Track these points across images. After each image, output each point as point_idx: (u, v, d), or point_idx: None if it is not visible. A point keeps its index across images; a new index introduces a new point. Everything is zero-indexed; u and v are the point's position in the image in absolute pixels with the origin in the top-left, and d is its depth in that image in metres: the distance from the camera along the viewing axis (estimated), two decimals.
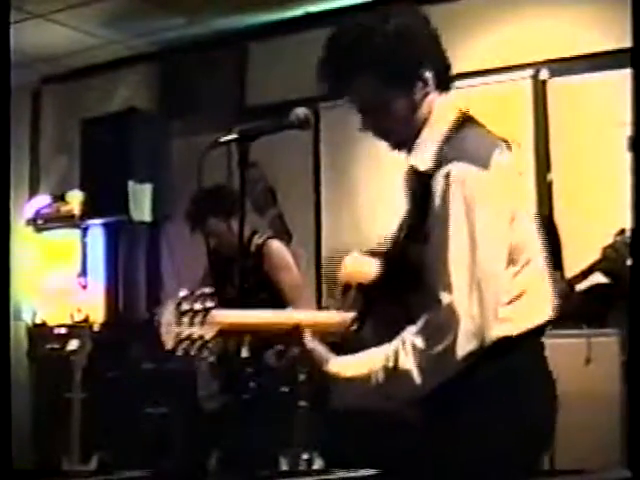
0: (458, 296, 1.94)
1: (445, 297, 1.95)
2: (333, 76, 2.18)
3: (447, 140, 2.09)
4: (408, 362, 2.01)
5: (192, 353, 2.08)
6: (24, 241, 6.78)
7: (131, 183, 5.89)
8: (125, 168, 5.93)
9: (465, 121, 2.14)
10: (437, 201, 2.00)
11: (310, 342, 2.16)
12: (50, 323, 6.56)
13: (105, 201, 6.03)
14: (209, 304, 2.06)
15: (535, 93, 5.18)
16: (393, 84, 2.13)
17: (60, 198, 6.72)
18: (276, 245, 4.24)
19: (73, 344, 5.94)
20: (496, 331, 1.99)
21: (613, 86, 4.67)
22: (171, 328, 2.07)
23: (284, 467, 4.03)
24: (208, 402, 4.13)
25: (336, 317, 2.30)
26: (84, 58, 6.58)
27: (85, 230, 6.55)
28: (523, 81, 5.21)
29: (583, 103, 5.01)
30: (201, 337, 2.07)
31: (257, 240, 4.22)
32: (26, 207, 6.91)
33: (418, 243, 2.06)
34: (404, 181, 2.25)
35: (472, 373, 1.99)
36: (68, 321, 6.32)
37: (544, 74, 5.16)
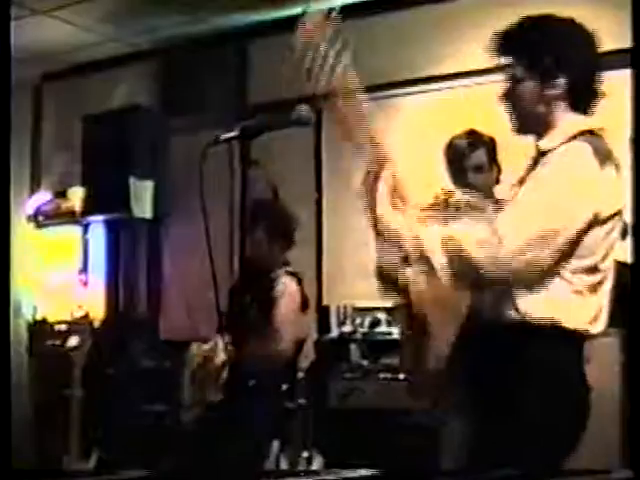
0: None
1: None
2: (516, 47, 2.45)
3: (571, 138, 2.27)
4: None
5: None
6: (25, 237, 6.78)
7: (132, 180, 5.90)
8: (126, 165, 5.94)
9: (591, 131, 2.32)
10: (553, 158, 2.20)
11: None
12: (50, 320, 6.56)
13: (106, 198, 6.03)
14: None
15: None
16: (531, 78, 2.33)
17: (61, 195, 6.73)
18: (292, 287, 4.20)
19: (73, 341, 5.94)
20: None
21: (612, 86, 4.66)
22: None
23: (284, 465, 4.02)
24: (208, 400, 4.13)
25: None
26: (85, 55, 6.58)
27: (86, 227, 6.55)
28: None
29: None
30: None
31: (273, 274, 4.20)
32: (27, 203, 6.91)
33: None
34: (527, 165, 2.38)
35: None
36: (68, 318, 6.33)
37: None
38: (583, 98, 2.35)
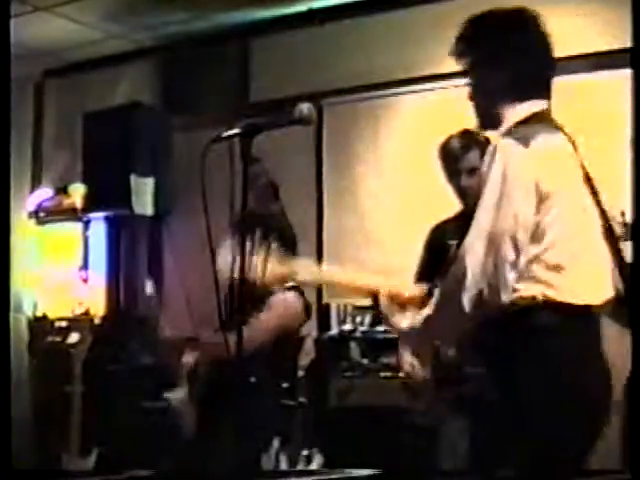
0: (472, 254, 2.16)
1: (461, 253, 2.20)
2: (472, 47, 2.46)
3: (514, 126, 2.33)
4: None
5: None
6: (26, 234, 6.78)
7: (133, 177, 5.89)
8: (127, 162, 5.93)
9: (536, 115, 2.36)
10: (484, 168, 2.26)
11: (385, 307, 2.44)
12: (51, 316, 6.57)
13: (107, 194, 6.03)
14: None
15: None
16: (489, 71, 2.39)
17: (62, 191, 6.72)
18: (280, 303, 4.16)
19: (73, 337, 5.95)
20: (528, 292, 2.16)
21: (616, 85, 4.66)
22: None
23: (283, 463, 4.02)
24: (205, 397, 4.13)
25: (412, 288, 2.56)
26: (87, 51, 6.58)
27: (87, 223, 6.55)
28: None
29: (585, 102, 5.01)
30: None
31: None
32: (28, 200, 6.91)
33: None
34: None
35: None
36: (69, 314, 6.33)
37: None
38: (533, 86, 2.40)
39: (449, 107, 5.13)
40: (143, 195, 5.97)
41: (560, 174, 2.25)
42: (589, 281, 2.25)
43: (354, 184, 5.68)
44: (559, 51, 5.11)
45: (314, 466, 4.05)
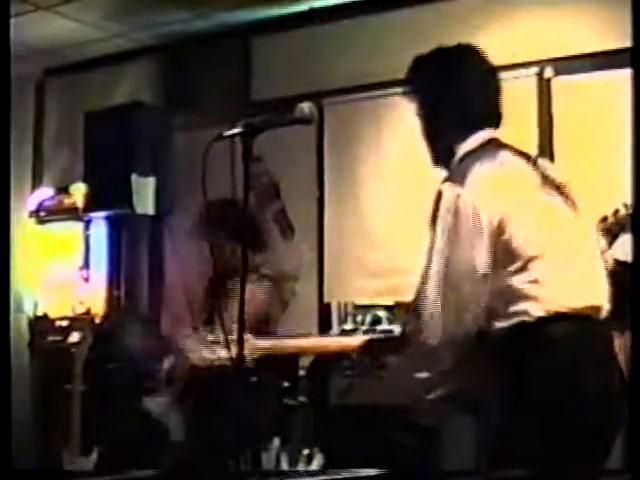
0: (426, 300, 2.22)
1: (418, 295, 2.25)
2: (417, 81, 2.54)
3: (458, 163, 2.38)
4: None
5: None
6: (27, 233, 6.78)
7: (134, 176, 5.89)
8: (128, 161, 5.93)
9: (484, 145, 2.39)
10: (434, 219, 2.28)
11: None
12: (52, 315, 6.57)
13: (108, 194, 6.02)
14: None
15: (539, 91, 5.18)
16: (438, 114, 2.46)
17: (63, 190, 6.73)
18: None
19: (74, 337, 5.95)
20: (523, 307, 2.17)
21: (616, 85, 4.66)
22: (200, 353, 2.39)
23: (284, 463, 4.02)
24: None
25: (356, 341, 2.69)
26: (88, 51, 6.58)
27: (88, 223, 6.55)
28: (528, 79, 5.20)
29: (587, 102, 5.01)
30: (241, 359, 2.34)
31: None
32: (29, 199, 6.91)
33: None
34: None
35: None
36: (70, 314, 6.33)
37: (549, 72, 5.16)
38: (480, 118, 2.43)
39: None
40: (144, 194, 5.96)
41: (506, 192, 2.25)
42: (577, 289, 2.26)
43: (355, 184, 5.67)
44: (563, 50, 5.12)
45: (315, 466, 4.05)
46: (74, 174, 6.60)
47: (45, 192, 6.90)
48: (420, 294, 2.24)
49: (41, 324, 6.62)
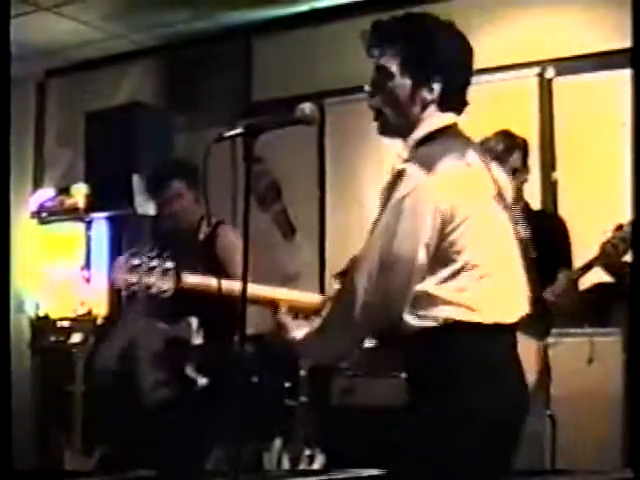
0: (361, 278, 2.15)
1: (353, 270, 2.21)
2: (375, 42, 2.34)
3: (419, 143, 2.26)
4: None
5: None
6: (28, 234, 6.79)
7: (136, 177, 5.89)
8: (130, 161, 5.93)
9: (444, 129, 2.27)
10: (386, 190, 2.21)
11: (283, 317, 2.41)
12: (53, 316, 6.57)
13: (109, 194, 6.03)
14: (169, 264, 2.42)
15: (541, 91, 5.19)
16: (406, 77, 2.27)
17: (64, 191, 6.73)
18: (229, 228, 4.20)
19: (76, 337, 5.95)
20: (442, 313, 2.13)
21: (617, 85, 4.66)
22: (123, 276, 2.40)
23: (286, 463, 4.03)
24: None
25: (313, 298, 2.53)
26: (89, 51, 6.58)
27: (89, 223, 6.55)
28: (529, 79, 5.21)
29: (588, 102, 5.01)
30: (160, 289, 2.43)
31: (205, 228, 4.19)
32: (30, 200, 6.91)
33: None
34: None
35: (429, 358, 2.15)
36: (71, 314, 6.33)
37: (550, 73, 5.16)
38: (451, 105, 2.30)
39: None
40: (145, 195, 5.97)
41: (467, 196, 2.17)
42: (503, 299, 2.21)
43: (357, 184, 5.68)
44: (565, 50, 5.11)
45: (316, 466, 4.06)
46: (75, 175, 6.61)
47: (46, 193, 6.90)
48: (355, 265, 2.20)
49: (42, 324, 6.62)
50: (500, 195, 2.28)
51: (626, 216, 3.43)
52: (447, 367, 2.14)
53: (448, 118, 2.30)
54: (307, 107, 2.32)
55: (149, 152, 5.99)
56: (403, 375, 2.27)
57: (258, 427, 3.67)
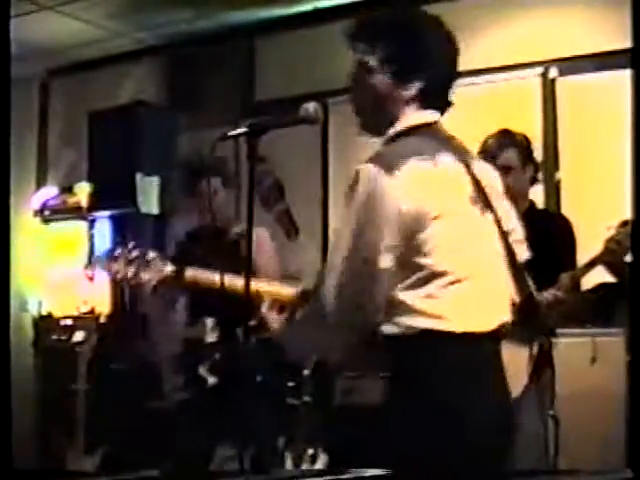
0: (330, 280, 2.09)
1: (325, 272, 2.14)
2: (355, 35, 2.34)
3: (390, 140, 2.21)
4: None
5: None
6: (31, 232, 6.79)
7: (139, 176, 5.90)
8: (133, 161, 5.94)
9: (421, 127, 2.21)
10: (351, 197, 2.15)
11: (264, 311, 2.40)
12: (56, 315, 6.58)
13: (112, 193, 6.03)
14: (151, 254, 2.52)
15: (544, 91, 5.19)
16: (385, 72, 2.22)
17: (67, 190, 6.74)
18: (261, 230, 4.18)
19: (79, 336, 5.96)
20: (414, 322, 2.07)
21: (620, 85, 4.66)
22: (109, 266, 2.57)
23: (288, 462, 4.03)
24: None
25: (291, 289, 2.48)
26: (92, 50, 6.58)
27: (92, 222, 6.55)
28: (532, 79, 5.21)
29: (591, 102, 5.01)
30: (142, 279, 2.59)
31: (237, 229, 4.16)
32: (33, 198, 6.92)
33: None
34: None
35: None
36: (74, 313, 6.34)
37: (553, 73, 5.16)
38: (433, 103, 2.24)
39: (454, 107, 5.15)
40: (149, 194, 5.97)
41: (434, 198, 2.09)
42: (478, 306, 2.13)
43: None
44: (568, 50, 5.11)
45: (319, 465, 4.06)
46: (78, 173, 6.61)
47: (49, 191, 6.91)
48: (327, 268, 2.13)
49: (45, 323, 6.63)
50: (479, 196, 2.19)
51: (628, 216, 3.42)
52: (422, 375, 2.08)
53: (427, 116, 2.24)
54: (311, 106, 2.31)
55: (152, 151, 6.00)
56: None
57: (261, 427, 3.68)
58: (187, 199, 4.20)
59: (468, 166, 2.21)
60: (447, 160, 2.16)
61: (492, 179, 2.31)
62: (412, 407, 2.10)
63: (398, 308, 2.08)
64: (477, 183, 2.21)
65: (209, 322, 3.89)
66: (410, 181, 2.06)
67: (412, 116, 2.22)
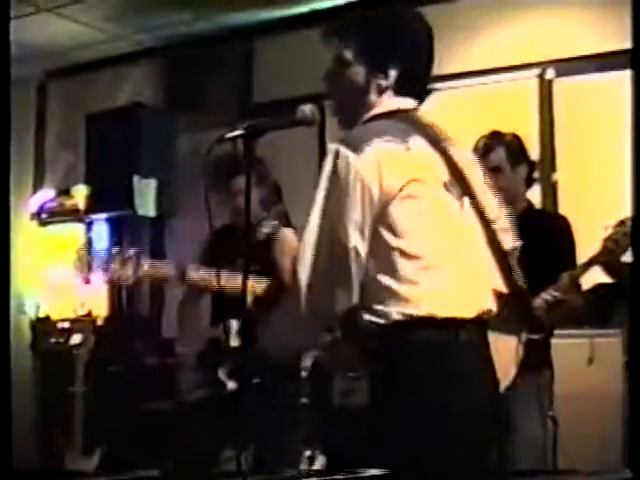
0: (302, 268, 2.12)
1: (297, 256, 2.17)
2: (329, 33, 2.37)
3: (361, 125, 2.24)
4: None
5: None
6: (28, 235, 6.79)
7: (136, 178, 5.90)
8: (130, 163, 5.94)
9: (394, 113, 2.23)
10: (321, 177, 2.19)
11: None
12: (53, 317, 6.57)
13: (110, 196, 6.03)
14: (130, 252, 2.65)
15: (541, 92, 5.19)
16: (361, 64, 2.25)
17: (65, 192, 6.74)
18: (289, 232, 4.16)
19: (76, 338, 5.96)
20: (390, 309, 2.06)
21: (618, 86, 4.67)
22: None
23: (285, 464, 4.02)
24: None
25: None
26: (90, 52, 6.59)
27: (89, 224, 6.56)
28: (530, 80, 5.21)
29: (588, 103, 5.01)
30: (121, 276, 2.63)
31: (266, 229, 4.14)
32: (31, 201, 6.92)
33: None
34: None
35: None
36: (71, 315, 6.34)
37: (550, 74, 5.16)
38: (409, 91, 2.26)
39: (451, 108, 5.15)
40: (146, 196, 5.97)
41: (402, 180, 2.08)
42: (456, 292, 2.12)
43: None
44: (565, 51, 5.11)
45: (317, 466, 4.05)
46: (76, 176, 6.61)
47: (47, 194, 6.91)
48: (297, 255, 2.16)
49: (43, 326, 6.63)
50: (456, 182, 2.20)
51: (625, 215, 3.42)
52: (405, 364, 2.08)
53: (403, 102, 2.26)
54: (308, 108, 2.32)
55: (150, 154, 6.00)
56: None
57: (260, 428, 3.67)
58: (219, 196, 4.14)
59: (445, 153, 2.22)
60: (420, 144, 2.17)
61: (472, 167, 2.30)
62: (398, 401, 2.11)
63: (376, 292, 2.08)
64: (454, 170, 2.21)
65: (234, 324, 3.86)
66: (376, 160, 2.07)
67: (386, 102, 2.25)
